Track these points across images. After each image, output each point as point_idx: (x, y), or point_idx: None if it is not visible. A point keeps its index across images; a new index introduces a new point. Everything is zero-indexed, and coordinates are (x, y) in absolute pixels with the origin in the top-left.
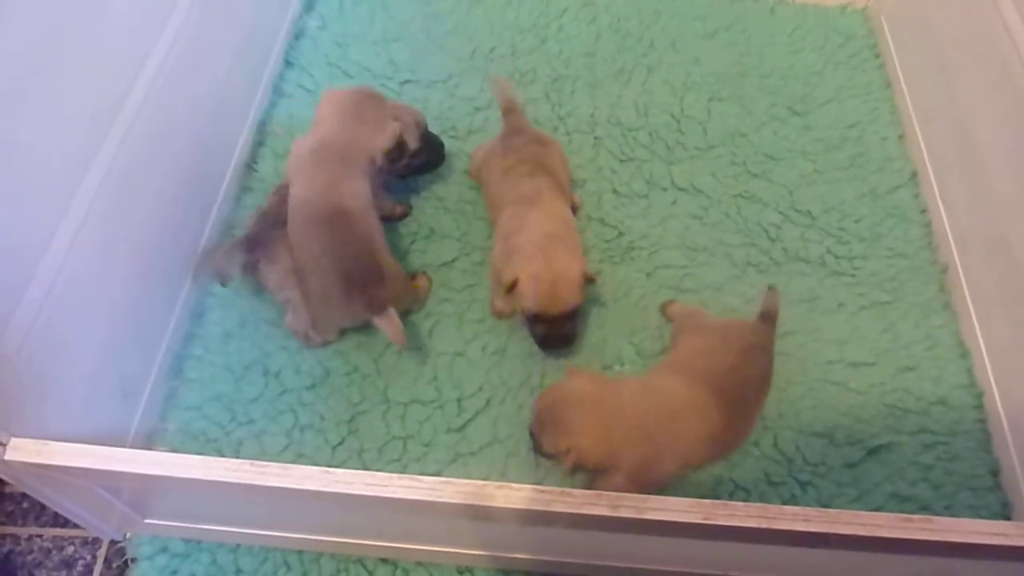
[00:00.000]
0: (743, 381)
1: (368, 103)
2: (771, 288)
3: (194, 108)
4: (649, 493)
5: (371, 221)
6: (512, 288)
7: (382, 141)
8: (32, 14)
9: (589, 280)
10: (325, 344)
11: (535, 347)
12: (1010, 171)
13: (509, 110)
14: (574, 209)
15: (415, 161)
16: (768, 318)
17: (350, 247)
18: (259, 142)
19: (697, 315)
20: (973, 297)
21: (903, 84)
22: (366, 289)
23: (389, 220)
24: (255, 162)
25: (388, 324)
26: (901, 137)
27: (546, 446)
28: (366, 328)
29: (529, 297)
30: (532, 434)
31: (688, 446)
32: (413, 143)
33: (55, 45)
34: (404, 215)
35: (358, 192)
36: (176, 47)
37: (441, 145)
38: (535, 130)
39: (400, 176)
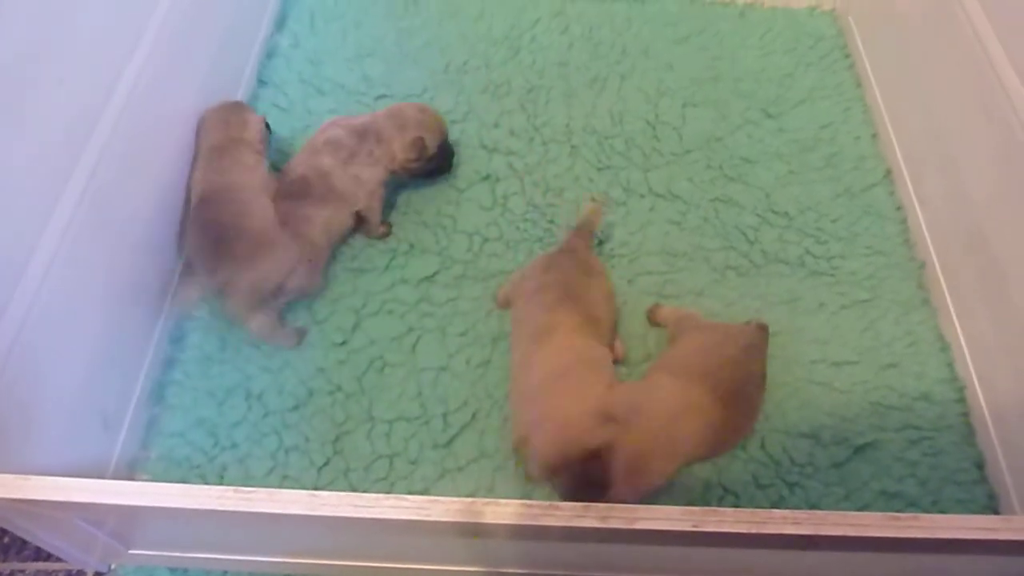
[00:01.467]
0: (744, 376)
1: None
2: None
3: (168, 129)
4: (646, 495)
5: (251, 199)
6: (421, 149)
7: (399, 153)
8: (3, 36)
9: (608, 417)
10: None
11: None
12: (982, 165)
13: (580, 234)
14: (615, 357)
15: (432, 165)
16: (762, 327)
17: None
18: None
19: (695, 316)
20: (951, 292)
21: (873, 83)
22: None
23: (368, 235)
24: None
25: (258, 324)
26: (874, 136)
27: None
28: (348, 345)
29: (535, 450)
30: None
31: (688, 444)
32: (432, 149)
33: (25, 67)
34: (386, 234)
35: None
36: (148, 69)
37: (453, 154)
38: (588, 257)
39: (411, 176)
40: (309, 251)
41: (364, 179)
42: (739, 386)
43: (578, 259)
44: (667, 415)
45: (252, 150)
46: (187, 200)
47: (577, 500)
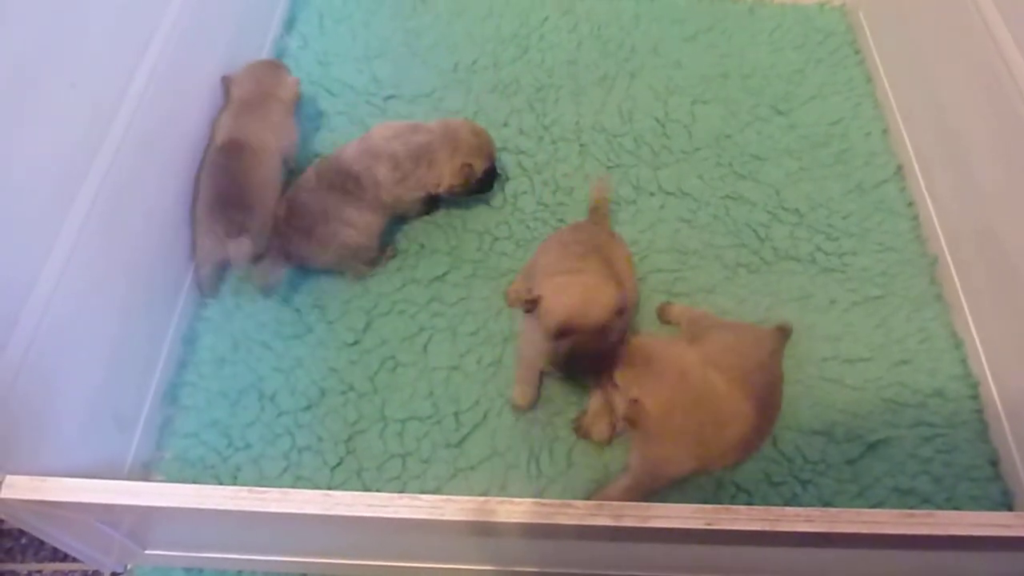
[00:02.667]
0: (772, 382)
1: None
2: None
3: (179, 132)
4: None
5: (266, 162)
6: (533, 306)
7: (447, 178)
8: (9, 48)
9: (619, 311)
10: (211, 294)
11: None
12: (994, 160)
13: (596, 209)
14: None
15: (478, 186)
16: (784, 330)
17: (229, 175)
18: None
19: (708, 315)
20: (964, 287)
21: (884, 79)
22: (227, 212)
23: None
24: None
25: (236, 248)
26: (885, 132)
27: (619, 378)
28: (359, 346)
29: (552, 308)
30: (601, 357)
31: (727, 450)
32: (479, 172)
33: (38, 71)
34: (391, 257)
35: (265, 138)
36: (159, 72)
37: (496, 177)
38: (608, 239)
39: (450, 196)
40: (344, 251)
41: (404, 200)
42: (769, 391)
43: (603, 227)
44: (718, 421)
45: (282, 108)
46: (209, 140)
47: (573, 366)
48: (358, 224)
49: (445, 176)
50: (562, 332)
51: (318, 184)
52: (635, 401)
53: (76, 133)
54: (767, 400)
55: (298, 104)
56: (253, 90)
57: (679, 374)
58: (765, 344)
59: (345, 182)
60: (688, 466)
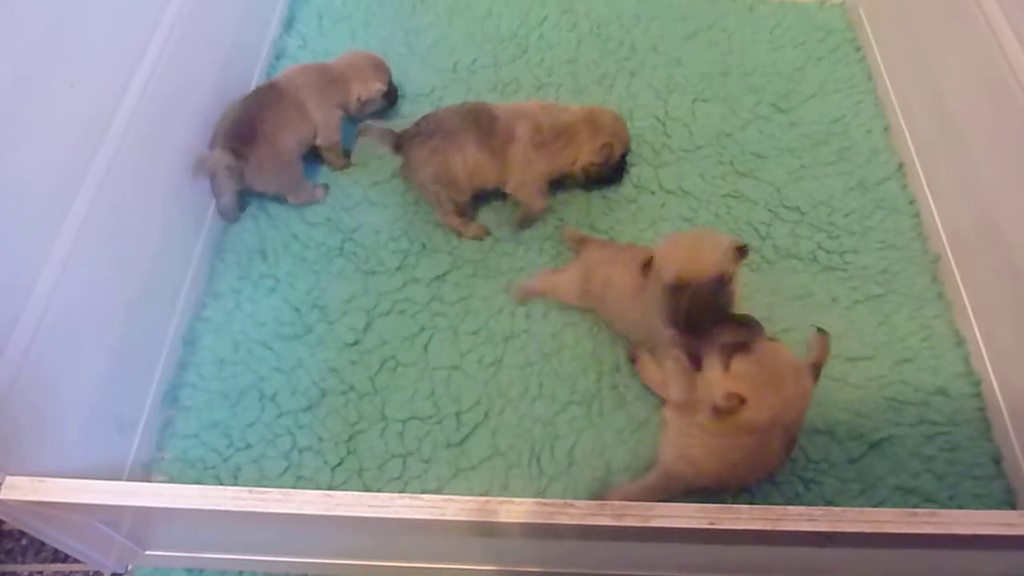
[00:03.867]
0: (796, 417)
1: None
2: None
3: (178, 132)
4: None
5: (291, 119)
6: (647, 266)
7: (584, 155)
8: (9, 48)
9: (741, 251)
10: (231, 219)
11: (532, 357)
12: (995, 157)
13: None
14: None
15: (609, 172)
16: (816, 367)
17: (245, 105)
18: None
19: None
20: (966, 285)
21: (885, 76)
22: (232, 134)
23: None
24: None
25: (213, 158)
26: (886, 129)
27: (736, 367)
28: (360, 345)
29: (668, 260)
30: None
31: (746, 478)
32: (616, 157)
33: (37, 72)
34: (476, 235)
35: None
36: (158, 71)
37: (626, 168)
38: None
39: (582, 180)
40: (442, 189)
41: (533, 170)
42: (790, 427)
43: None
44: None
45: (342, 99)
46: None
47: (694, 320)
48: (470, 159)
49: (584, 154)
50: (680, 285)
51: (459, 109)
52: (737, 396)
53: (75, 134)
54: (789, 431)
55: (365, 108)
56: (337, 68)
57: (786, 401)
58: (804, 380)
59: (482, 117)
60: (708, 483)
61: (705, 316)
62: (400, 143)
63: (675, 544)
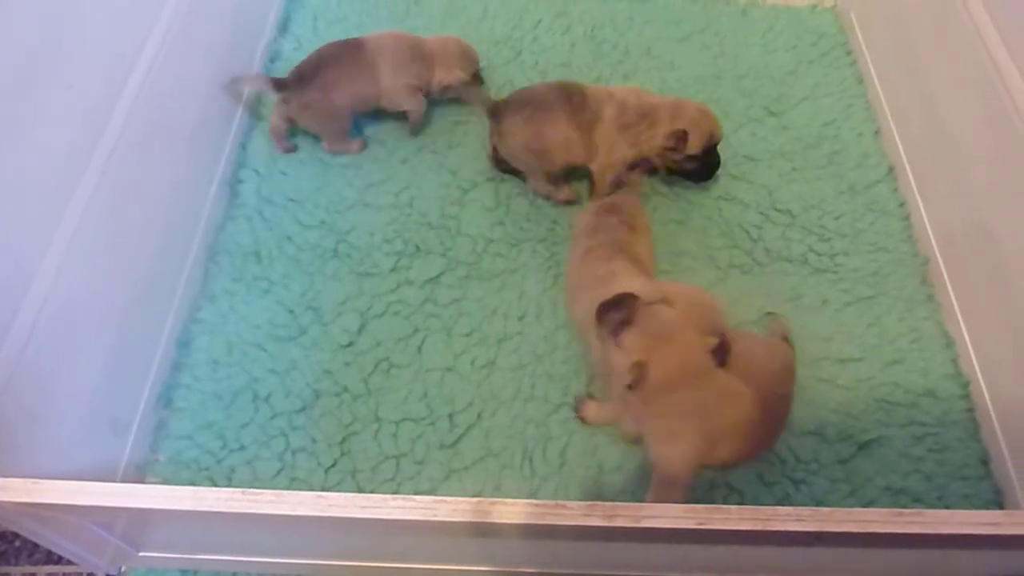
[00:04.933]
0: (781, 399)
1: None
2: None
3: (175, 132)
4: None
5: (356, 74)
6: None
7: (659, 139)
8: (7, 48)
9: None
10: (279, 147)
11: (525, 359)
12: (984, 161)
13: (619, 182)
14: None
15: (688, 165)
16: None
17: (323, 49)
18: (241, 163)
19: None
20: (955, 287)
21: (876, 80)
22: (294, 74)
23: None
24: (239, 181)
25: (252, 78)
26: (877, 132)
27: (627, 341)
28: (354, 347)
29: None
30: (615, 317)
31: (727, 433)
32: (694, 148)
33: (35, 72)
34: (567, 199)
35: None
36: (154, 72)
37: (717, 166)
38: (632, 207)
39: (668, 170)
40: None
41: (616, 152)
42: (776, 400)
43: (622, 214)
44: (718, 395)
45: (425, 75)
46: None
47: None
48: (561, 133)
49: (659, 137)
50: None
51: (553, 84)
52: (640, 364)
53: (71, 135)
54: (772, 403)
55: (445, 92)
56: (428, 46)
57: (686, 349)
58: (778, 358)
59: (574, 95)
60: (690, 447)
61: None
62: (496, 110)
63: (666, 544)
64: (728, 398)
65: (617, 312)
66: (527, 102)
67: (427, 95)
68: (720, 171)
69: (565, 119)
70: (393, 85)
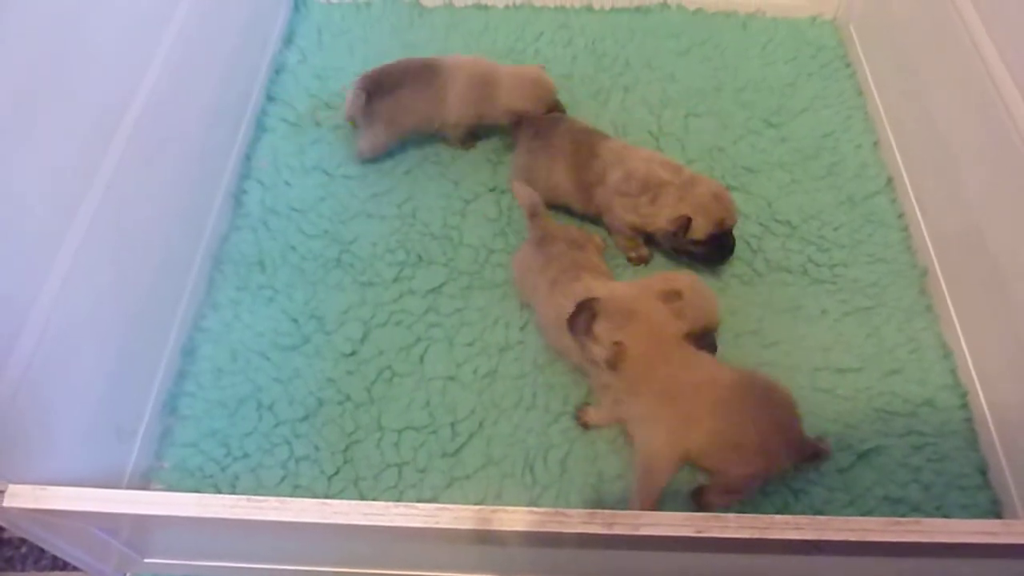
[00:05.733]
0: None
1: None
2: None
3: (179, 146)
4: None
5: (429, 91)
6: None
7: (661, 220)
8: (12, 64)
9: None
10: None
11: (526, 368)
12: (983, 172)
13: (534, 214)
14: None
15: (697, 250)
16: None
17: (399, 65)
18: (245, 174)
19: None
20: (953, 298)
21: (874, 92)
22: (373, 81)
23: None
24: (243, 192)
25: (351, 96)
26: (875, 144)
27: (599, 333)
28: (357, 356)
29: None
30: (583, 319)
31: (699, 411)
32: (699, 234)
33: (36, 91)
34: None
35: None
36: (160, 86)
37: (729, 252)
38: (566, 229)
39: (675, 251)
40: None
41: (615, 216)
42: (765, 392)
43: (562, 238)
44: (694, 386)
45: (484, 103)
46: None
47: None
48: (553, 176)
49: (660, 218)
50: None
51: (573, 131)
52: (619, 343)
53: (77, 149)
54: (759, 393)
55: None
56: (501, 74)
57: (652, 320)
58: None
59: (583, 149)
60: (664, 429)
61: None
62: (527, 124)
63: (665, 552)
64: (701, 377)
65: (582, 315)
66: (544, 131)
67: (488, 120)
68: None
69: (564, 169)
70: (459, 109)
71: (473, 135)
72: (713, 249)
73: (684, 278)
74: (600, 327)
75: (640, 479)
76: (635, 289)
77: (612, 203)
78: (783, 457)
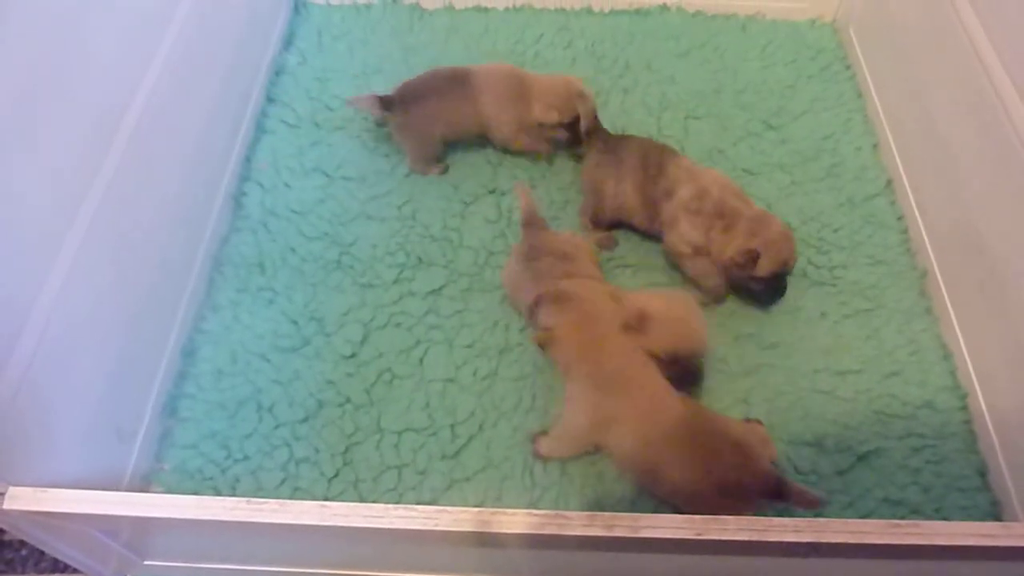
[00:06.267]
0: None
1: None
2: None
3: (179, 148)
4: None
5: (461, 95)
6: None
7: (729, 251)
8: (12, 67)
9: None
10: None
11: (526, 370)
12: (981, 174)
13: (530, 223)
14: None
15: (756, 286)
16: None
17: (431, 74)
18: (245, 176)
19: None
20: (952, 300)
21: (874, 94)
22: (401, 90)
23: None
24: (243, 194)
25: (367, 98)
26: (875, 146)
27: (541, 318)
28: (357, 358)
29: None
30: (533, 307)
31: (620, 409)
32: (763, 271)
33: (36, 93)
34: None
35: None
36: (160, 88)
37: (782, 294)
38: (556, 241)
39: (734, 281)
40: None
41: (681, 232)
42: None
43: (553, 251)
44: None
45: (519, 111)
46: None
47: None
48: (620, 193)
49: (730, 248)
50: (672, 360)
51: (643, 146)
52: (548, 329)
53: (77, 150)
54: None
55: (544, 131)
56: (536, 83)
57: (591, 316)
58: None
59: (651, 165)
60: (584, 417)
61: (691, 379)
62: (597, 136)
63: (666, 555)
64: (636, 380)
65: (536, 307)
66: (613, 148)
67: (525, 129)
68: None
69: (631, 184)
70: (498, 117)
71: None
72: (771, 288)
73: (659, 300)
74: (541, 313)
75: (558, 438)
76: (607, 290)
77: (679, 219)
78: (729, 505)
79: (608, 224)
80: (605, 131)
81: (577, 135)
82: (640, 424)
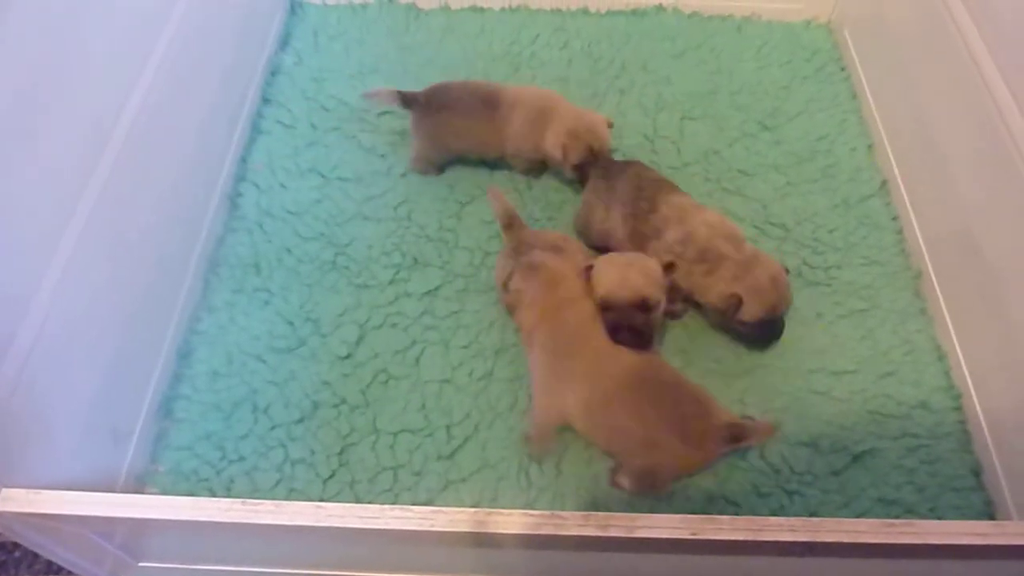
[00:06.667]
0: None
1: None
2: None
3: (175, 148)
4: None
5: (487, 118)
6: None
7: (711, 295)
8: (10, 67)
9: (669, 268)
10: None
11: (522, 370)
12: (975, 175)
13: (509, 225)
14: None
15: (743, 330)
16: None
17: (465, 87)
18: (240, 177)
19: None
20: (947, 300)
21: (869, 95)
22: (428, 91)
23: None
24: (239, 194)
25: (383, 92)
26: (870, 147)
27: (511, 284)
28: (352, 359)
29: (597, 281)
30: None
31: (574, 374)
32: (749, 317)
33: (34, 92)
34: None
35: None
36: (155, 88)
37: (776, 338)
38: (543, 235)
39: (721, 325)
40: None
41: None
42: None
43: (540, 246)
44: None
45: (537, 137)
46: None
47: (617, 337)
48: (608, 222)
49: (712, 293)
50: (606, 305)
51: (646, 175)
52: (517, 290)
53: (74, 151)
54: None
55: (553, 160)
56: (558, 110)
57: (556, 283)
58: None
59: (642, 202)
60: (543, 386)
61: (625, 334)
62: (599, 164)
63: (662, 554)
64: (591, 344)
65: (509, 278)
66: (608, 175)
67: (537, 155)
68: (715, 187)
69: (620, 216)
70: (518, 142)
71: (539, 167)
72: (760, 333)
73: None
74: (513, 279)
75: (533, 418)
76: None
77: (662, 258)
78: (691, 452)
79: (595, 247)
80: (607, 158)
81: (585, 176)
82: (593, 379)
